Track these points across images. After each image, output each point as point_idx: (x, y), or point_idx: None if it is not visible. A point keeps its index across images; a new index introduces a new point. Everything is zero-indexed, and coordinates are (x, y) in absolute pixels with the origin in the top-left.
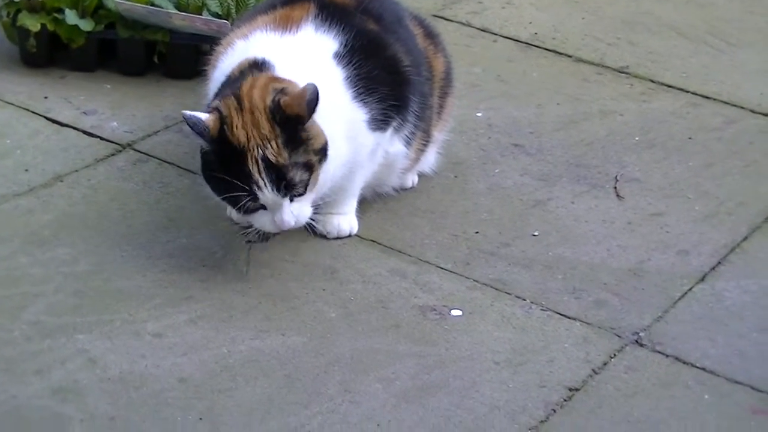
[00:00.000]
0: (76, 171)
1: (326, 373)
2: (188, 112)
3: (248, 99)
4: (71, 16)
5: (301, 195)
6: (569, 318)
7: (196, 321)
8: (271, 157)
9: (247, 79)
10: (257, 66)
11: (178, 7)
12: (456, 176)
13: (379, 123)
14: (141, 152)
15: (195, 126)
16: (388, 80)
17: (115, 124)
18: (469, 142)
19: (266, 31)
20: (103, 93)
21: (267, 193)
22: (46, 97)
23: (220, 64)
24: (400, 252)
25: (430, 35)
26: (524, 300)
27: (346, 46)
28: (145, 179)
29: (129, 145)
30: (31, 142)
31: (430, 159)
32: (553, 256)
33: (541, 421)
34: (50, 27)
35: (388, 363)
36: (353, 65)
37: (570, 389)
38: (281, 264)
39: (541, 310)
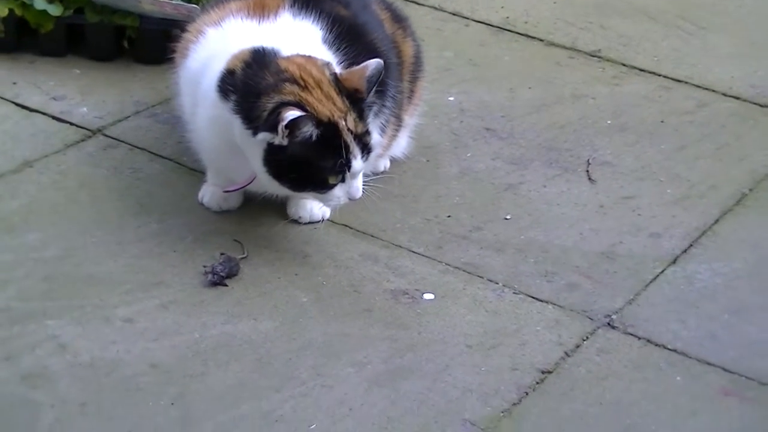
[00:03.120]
0: (46, 156)
1: (298, 358)
2: (289, 115)
3: (308, 76)
4: (39, 2)
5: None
6: (541, 301)
7: (167, 306)
8: (352, 126)
9: (279, 63)
10: (265, 53)
11: None
12: (428, 160)
13: None
14: (111, 137)
15: (303, 123)
16: None
17: (84, 109)
18: (440, 126)
19: (241, 18)
20: (73, 78)
21: (359, 161)
22: (14, 83)
23: (192, 53)
24: (372, 236)
25: (398, 19)
26: (496, 284)
27: (330, 32)
28: (116, 165)
29: (99, 130)
30: (0, 127)
31: (401, 143)
32: (525, 240)
33: (514, 404)
34: (18, 12)
35: (360, 347)
36: (341, 51)
37: (542, 372)
38: (253, 249)
39: (514, 293)
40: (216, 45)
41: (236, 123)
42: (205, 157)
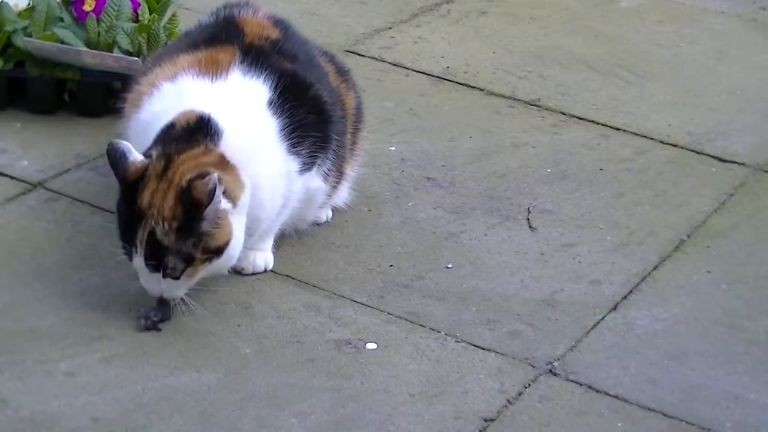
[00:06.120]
0: None
1: (241, 409)
2: (118, 142)
3: (174, 172)
4: None
5: (175, 279)
6: (484, 349)
7: (110, 359)
8: (159, 235)
9: (191, 150)
10: (206, 126)
11: (88, 45)
12: (370, 210)
13: (308, 166)
14: (52, 191)
15: (116, 158)
16: (315, 122)
17: (25, 162)
18: (382, 176)
19: (194, 75)
20: (13, 132)
21: (139, 261)
22: None
23: (146, 105)
24: (314, 286)
25: (341, 72)
26: (439, 332)
27: (276, 91)
28: (57, 218)
29: (40, 183)
30: None
31: (343, 194)
32: (467, 288)
33: None
34: None
35: (304, 398)
36: (285, 113)
37: (485, 420)
38: (196, 300)
39: (456, 341)
40: (170, 101)
41: None
42: None
